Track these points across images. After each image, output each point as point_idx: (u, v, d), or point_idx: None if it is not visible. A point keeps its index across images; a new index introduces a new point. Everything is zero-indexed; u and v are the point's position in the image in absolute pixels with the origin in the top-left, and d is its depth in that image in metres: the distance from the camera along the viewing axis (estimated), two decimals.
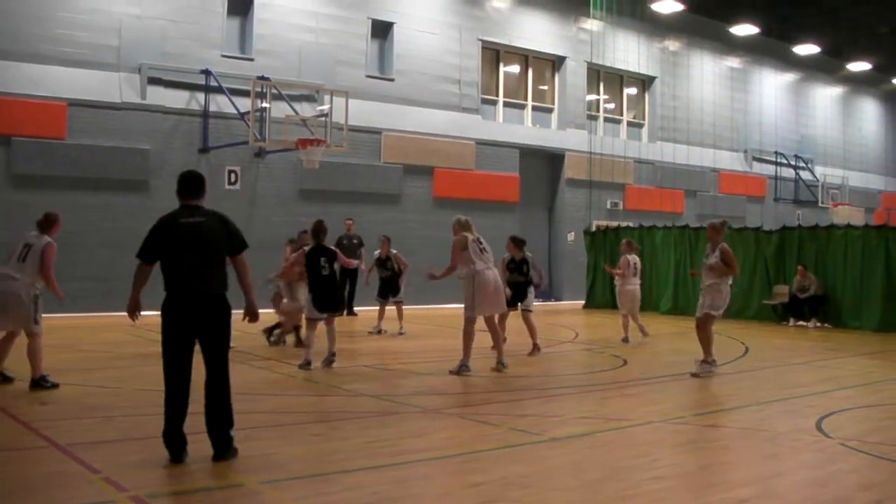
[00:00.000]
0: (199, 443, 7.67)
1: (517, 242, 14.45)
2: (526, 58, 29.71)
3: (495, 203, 26.98)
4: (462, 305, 12.36)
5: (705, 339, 12.46)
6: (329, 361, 12.42)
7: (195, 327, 6.99)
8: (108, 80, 20.75)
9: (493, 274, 12.36)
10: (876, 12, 31.72)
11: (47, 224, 10.68)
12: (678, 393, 11.33)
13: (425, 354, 14.71)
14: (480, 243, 12.31)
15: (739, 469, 7.20)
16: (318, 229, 12.53)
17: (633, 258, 16.90)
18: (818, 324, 20.73)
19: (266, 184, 22.82)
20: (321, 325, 12.51)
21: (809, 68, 39.58)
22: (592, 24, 30.23)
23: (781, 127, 38.24)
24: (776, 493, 6.56)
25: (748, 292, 22.62)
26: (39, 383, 10.32)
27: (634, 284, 16.76)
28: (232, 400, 7.14)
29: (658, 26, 32.27)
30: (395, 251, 17.52)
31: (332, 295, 12.53)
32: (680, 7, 30.09)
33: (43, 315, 10.43)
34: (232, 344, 7.50)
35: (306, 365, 12.19)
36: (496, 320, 12.88)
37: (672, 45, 33.69)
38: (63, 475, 6.48)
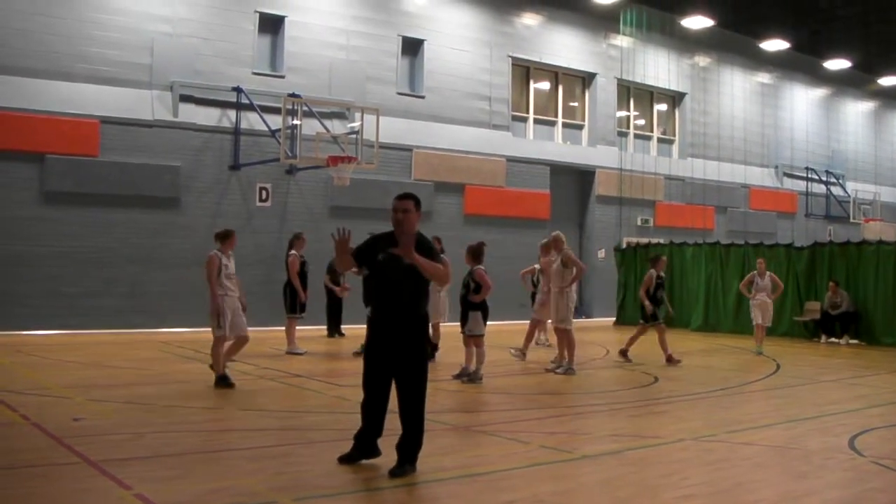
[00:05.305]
0: (227, 459, 7.71)
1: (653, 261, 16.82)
2: (556, 74, 29.71)
3: (526, 220, 26.95)
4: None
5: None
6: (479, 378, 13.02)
7: (393, 347, 7.34)
8: (140, 97, 20.95)
9: None
10: None
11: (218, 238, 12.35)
12: (709, 410, 11.25)
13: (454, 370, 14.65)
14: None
15: (770, 487, 7.13)
16: (480, 251, 13.43)
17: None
18: (850, 340, 20.54)
19: (297, 201, 22.89)
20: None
21: (840, 83, 39.30)
22: (622, 41, 30.25)
23: (812, 142, 37.98)
24: None
25: (779, 309, 22.38)
26: (218, 381, 11.71)
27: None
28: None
29: (688, 42, 32.19)
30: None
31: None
32: (710, 23, 30.02)
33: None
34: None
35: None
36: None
37: (702, 60, 33.57)
38: (94, 491, 6.52)
